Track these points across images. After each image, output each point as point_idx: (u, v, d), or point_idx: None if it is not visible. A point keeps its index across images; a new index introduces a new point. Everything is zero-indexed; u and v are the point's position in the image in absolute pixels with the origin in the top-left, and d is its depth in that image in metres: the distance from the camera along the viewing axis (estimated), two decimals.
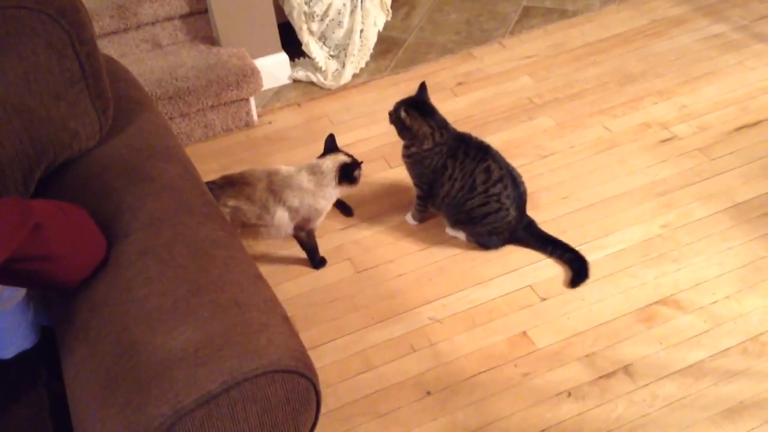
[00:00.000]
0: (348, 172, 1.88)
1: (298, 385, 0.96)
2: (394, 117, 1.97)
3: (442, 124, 1.97)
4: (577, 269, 1.94)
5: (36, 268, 1.00)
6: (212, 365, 0.91)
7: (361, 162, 1.91)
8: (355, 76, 2.75)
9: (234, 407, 0.91)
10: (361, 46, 2.70)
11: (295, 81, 2.77)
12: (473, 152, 1.93)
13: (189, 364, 0.91)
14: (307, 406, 1.00)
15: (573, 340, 1.78)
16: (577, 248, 1.97)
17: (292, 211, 1.88)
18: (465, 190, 1.93)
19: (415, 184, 2.06)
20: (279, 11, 2.64)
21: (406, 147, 2.01)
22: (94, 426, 0.93)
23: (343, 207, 2.18)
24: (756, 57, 2.66)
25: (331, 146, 1.95)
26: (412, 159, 2.01)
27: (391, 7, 2.77)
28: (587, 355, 1.75)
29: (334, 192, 1.91)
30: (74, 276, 1.07)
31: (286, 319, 1.03)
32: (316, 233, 2.01)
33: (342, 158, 1.90)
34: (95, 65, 1.26)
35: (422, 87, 2.01)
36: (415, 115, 1.94)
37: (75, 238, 1.07)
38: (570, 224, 2.08)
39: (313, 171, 1.89)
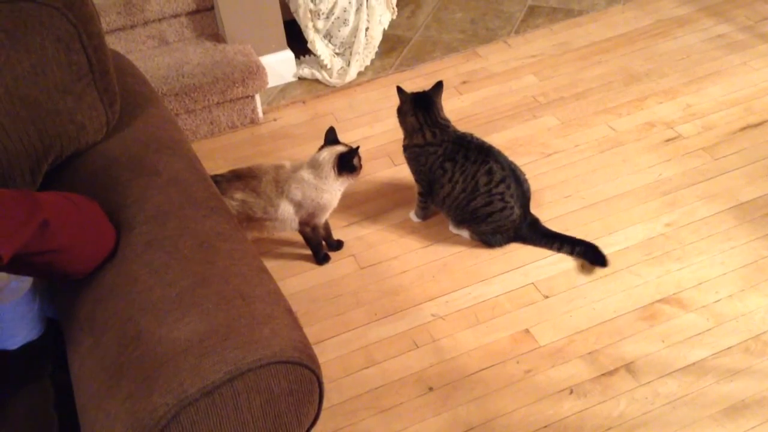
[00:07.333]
0: (346, 161, 1.86)
1: (302, 376, 0.97)
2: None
3: (435, 124, 1.96)
4: (592, 258, 1.95)
5: (44, 261, 1.01)
6: (216, 356, 0.92)
7: (357, 147, 1.88)
8: (360, 74, 2.76)
9: (238, 397, 0.92)
10: (366, 44, 2.71)
11: (301, 78, 2.78)
12: (474, 155, 1.92)
13: (193, 355, 0.92)
14: (310, 398, 1.00)
15: (575, 337, 1.79)
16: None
17: (296, 204, 1.88)
18: (467, 192, 1.93)
19: (416, 180, 2.06)
20: (285, 9, 2.65)
21: (404, 140, 2.02)
22: (99, 416, 0.94)
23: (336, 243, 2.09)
24: (761, 57, 2.66)
25: (331, 138, 1.94)
26: (408, 153, 2.02)
27: (397, 5, 2.78)
28: (589, 353, 1.75)
29: (336, 184, 1.89)
30: (83, 266, 1.09)
31: (289, 311, 1.04)
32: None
33: (338, 149, 1.88)
34: (102, 59, 1.26)
35: (436, 85, 2.01)
36: (407, 99, 1.96)
37: (84, 230, 1.08)
38: (573, 222, 2.08)
39: (312, 164, 1.88)
